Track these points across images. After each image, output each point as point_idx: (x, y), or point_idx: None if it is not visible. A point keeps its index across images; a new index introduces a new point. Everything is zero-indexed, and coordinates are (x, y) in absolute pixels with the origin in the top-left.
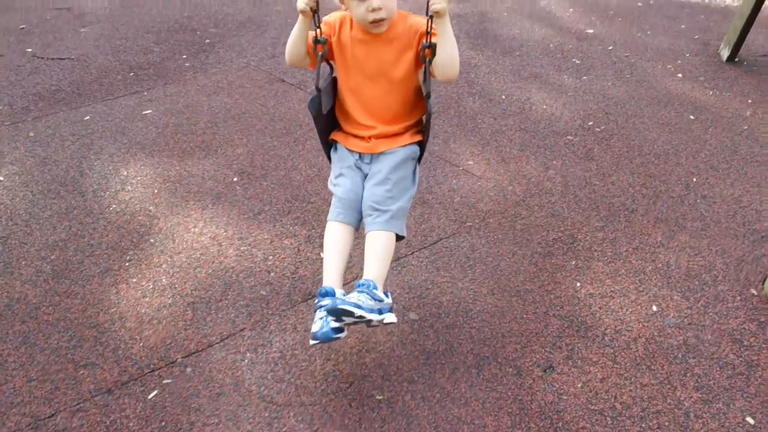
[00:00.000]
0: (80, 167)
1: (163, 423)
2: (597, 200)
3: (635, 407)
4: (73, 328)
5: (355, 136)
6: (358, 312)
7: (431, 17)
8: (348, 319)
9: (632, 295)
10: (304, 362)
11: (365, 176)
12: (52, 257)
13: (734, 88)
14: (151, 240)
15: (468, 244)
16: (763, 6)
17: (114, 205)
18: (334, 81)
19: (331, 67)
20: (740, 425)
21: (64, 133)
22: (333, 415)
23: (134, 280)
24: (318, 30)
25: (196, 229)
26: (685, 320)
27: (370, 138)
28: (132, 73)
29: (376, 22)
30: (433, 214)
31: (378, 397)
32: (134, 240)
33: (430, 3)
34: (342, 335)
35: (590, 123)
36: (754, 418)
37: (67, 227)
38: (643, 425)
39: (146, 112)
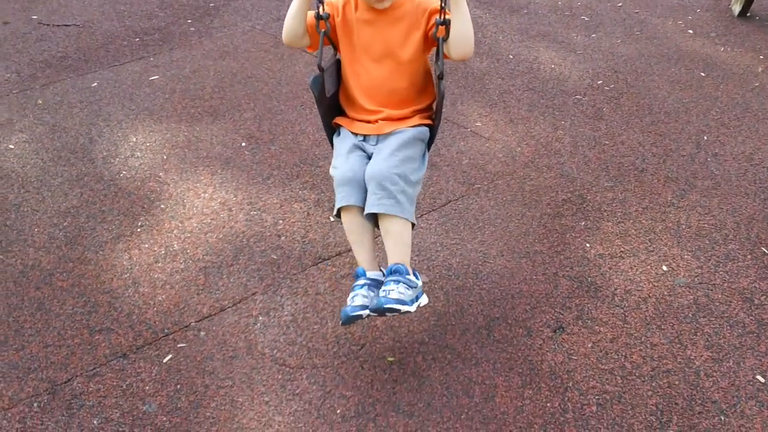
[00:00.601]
0: (89, 134)
1: (179, 386)
2: (606, 160)
3: (645, 366)
4: (87, 294)
5: (360, 121)
6: (403, 308)
7: None
8: (391, 315)
9: (642, 255)
10: (316, 325)
11: (368, 157)
12: (65, 224)
13: (746, 44)
14: (162, 206)
15: (477, 205)
16: None
17: (124, 172)
18: (337, 64)
19: (334, 49)
20: (751, 383)
21: (72, 100)
22: (345, 376)
23: (146, 245)
24: (320, 5)
25: (206, 195)
26: (696, 279)
27: (376, 121)
28: (137, 39)
29: None
30: (442, 176)
31: (389, 359)
32: (145, 206)
33: None
34: (366, 312)
35: (599, 82)
36: (764, 376)
37: (79, 194)
38: (653, 384)
39: (153, 77)
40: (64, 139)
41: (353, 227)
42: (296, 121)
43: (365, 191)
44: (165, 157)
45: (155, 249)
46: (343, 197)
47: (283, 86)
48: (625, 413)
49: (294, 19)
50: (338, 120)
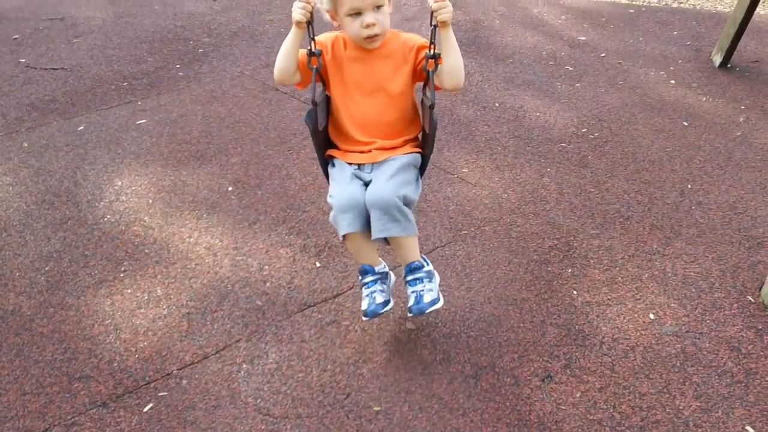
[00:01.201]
0: (74, 177)
1: None
2: (592, 207)
3: (634, 417)
4: (67, 341)
5: (353, 152)
6: (440, 305)
7: (435, 27)
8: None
9: (629, 303)
10: (301, 373)
11: (365, 185)
12: (47, 268)
13: (727, 94)
14: (146, 250)
15: (464, 252)
16: (755, 12)
17: (108, 216)
18: (327, 99)
19: (324, 85)
20: None
21: (58, 144)
22: (330, 427)
23: (129, 291)
24: (312, 42)
25: (191, 239)
26: (683, 328)
27: (370, 150)
28: (126, 83)
29: (371, 37)
30: (429, 222)
31: (375, 409)
32: (129, 250)
33: (435, 14)
34: (389, 307)
35: (584, 130)
36: (753, 427)
37: (62, 238)
38: None
39: (140, 121)
40: (48, 182)
41: (358, 248)
42: (283, 166)
43: (366, 216)
44: (150, 201)
45: (138, 294)
46: (346, 225)
47: (271, 131)
48: None
49: (286, 56)
50: (331, 152)
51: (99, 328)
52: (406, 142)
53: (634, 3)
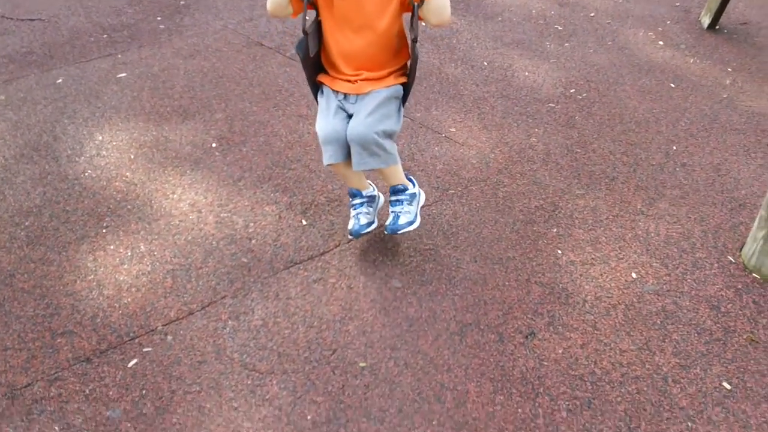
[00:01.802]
0: (53, 131)
1: (144, 391)
2: (578, 168)
3: (614, 372)
4: (49, 296)
5: (341, 80)
6: (414, 227)
7: None
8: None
9: (612, 263)
10: (287, 330)
11: (349, 116)
12: (27, 223)
13: (714, 56)
14: (129, 206)
15: (450, 211)
16: None
17: (89, 171)
18: (318, 25)
19: (316, 12)
20: (717, 390)
21: (36, 97)
22: (316, 382)
23: (112, 247)
24: None
25: (175, 196)
26: (664, 287)
27: (356, 81)
28: (105, 35)
29: None
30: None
31: (361, 365)
32: (111, 206)
33: None
34: (373, 227)
35: (572, 90)
36: (730, 383)
37: (42, 193)
38: (622, 390)
39: (121, 75)
40: (27, 136)
41: (344, 175)
42: (268, 123)
43: (348, 148)
44: (132, 157)
45: (121, 250)
46: (329, 156)
47: (255, 87)
48: (595, 419)
49: None
50: (321, 78)
51: (81, 283)
52: (390, 74)
53: None
